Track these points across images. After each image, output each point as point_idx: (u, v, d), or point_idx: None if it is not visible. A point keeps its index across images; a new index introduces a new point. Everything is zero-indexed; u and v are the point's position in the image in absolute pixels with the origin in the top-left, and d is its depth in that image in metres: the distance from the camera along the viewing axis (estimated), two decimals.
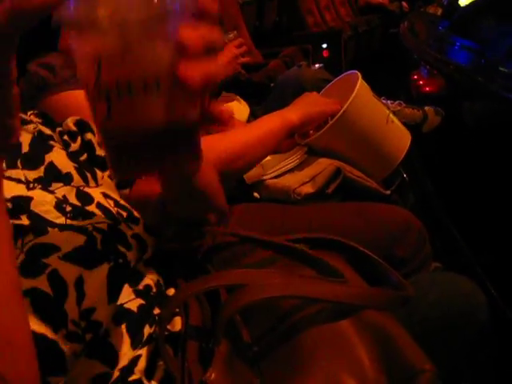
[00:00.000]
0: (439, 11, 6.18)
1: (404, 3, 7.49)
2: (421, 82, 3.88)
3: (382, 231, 1.28)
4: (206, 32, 0.50)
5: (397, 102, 2.27)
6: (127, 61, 0.48)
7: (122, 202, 0.86)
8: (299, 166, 1.46)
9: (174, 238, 0.93)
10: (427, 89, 3.78)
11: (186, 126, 0.52)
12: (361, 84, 1.40)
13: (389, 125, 1.46)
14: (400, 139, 1.51)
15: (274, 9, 5.70)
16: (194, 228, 0.93)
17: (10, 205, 0.68)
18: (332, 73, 2.05)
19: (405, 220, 1.32)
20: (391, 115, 1.48)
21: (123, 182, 0.84)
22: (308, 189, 1.37)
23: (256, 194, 1.42)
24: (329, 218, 1.30)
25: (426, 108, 2.35)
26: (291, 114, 1.34)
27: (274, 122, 1.31)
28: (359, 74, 1.44)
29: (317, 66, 3.69)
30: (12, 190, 0.71)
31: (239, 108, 1.94)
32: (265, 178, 1.43)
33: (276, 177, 1.43)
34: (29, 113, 0.91)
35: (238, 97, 1.97)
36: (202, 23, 0.50)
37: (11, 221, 0.62)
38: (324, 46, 5.24)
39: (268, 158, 1.53)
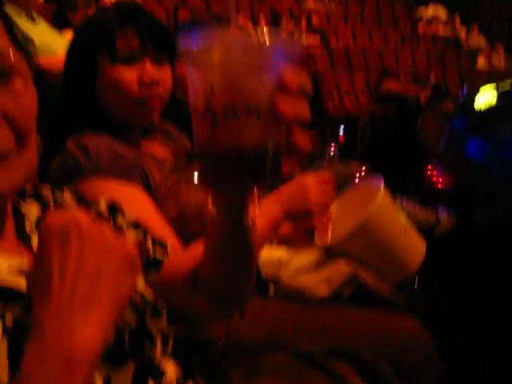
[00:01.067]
0: (452, 107, 6.37)
1: (422, 97, 7.71)
2: (434, 178, 3.96)
3: (392, 341, 1.30)
4: (302, 77, 0.62)
5: (411, 202, 2.32)
6: (235, 91, 0.59)
7: (147, 294, 0.89)
8: (316, 267, 1.49)
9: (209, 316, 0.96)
10: (440, 184, 3.85)
11: (274, 150, 0.62)
12: (383, 193, 1.45)
13: (406, 235, 1.51)
14: (416, 249, 1.54)
15: None
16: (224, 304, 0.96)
17: None
18: (347, 158, 2.11)
19: (414, 332, 1.35)
20: (409, 225, 1.52)
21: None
22: (323, 291, 1.39)
23: (271, 290, 1.44)
24: (341, 323, 1.32)
25: (440, 211, 2.40)
26: (279, 212, 1.29)
27: (261, 221, 1.31)
28: (382, 181, 1.49)
29: (332, 149, 3.79)
30: None
31: None
32: (281, 274, 1.45)
33: (292, 275, 1.46)
34: (65, 190, 0.96)
35: None
36: (298, 69, 0.62)
37: None
38: (341, 130, 5.39)
39: (285, 254, 1.56)
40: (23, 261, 0.75)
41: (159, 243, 0.99)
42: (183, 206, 1.36)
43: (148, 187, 1.32)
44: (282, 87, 0.60)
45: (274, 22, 9.71)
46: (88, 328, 0.57)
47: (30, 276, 0.63)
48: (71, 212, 0.63)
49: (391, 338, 1.31)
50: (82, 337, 0.56)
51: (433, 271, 2.14)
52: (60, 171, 1.28)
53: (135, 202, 1.13)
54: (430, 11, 13.61)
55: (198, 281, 0.94)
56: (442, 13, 13.70)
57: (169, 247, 0.99)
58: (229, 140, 0.60)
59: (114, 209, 0.97)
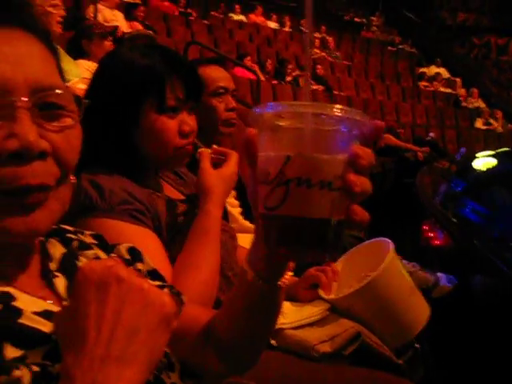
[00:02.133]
0: (447, 165, 6.46)
1: (419, 153, 7.82)
2: (430, 234, 3.97)
3: None
4: (371, 154, 0.63)
5: (412, 263, 2.33)
6: (309, 163, 0.62)
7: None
8: (320, 322, 1.49)
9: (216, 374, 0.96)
10: (436, 242, 3.87)
11: (338, 221, 0.64)
12: (392, 255, 1.46)
13: (412, 297, 1.52)
14: (420, 312, 1.55)
15: None
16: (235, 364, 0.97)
17: None
18: None
19: None
20: (415, 288, 1.53)
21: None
22: (326, 348, 1.39)
23: (273, 342, 1.44)
24: (342, 380, 1.31)
25: (439, 274, 2.41)
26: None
27: None
28: (392, 244, 1.51)
29: None
30: None
31: None
32: (284, 326, 1.45)
33: (295, 328, 1.46)
34: (86, 232, 0.96)
35: None
36: (365, 146, 0.64)
37: None
38: None
39: (289, 305, 1.56)
40: (48, 303, 0.74)
41: (176, 293, 0.98)
42: None
43: (159, 229, 1.33)
44: (353, 163, 0.63)
45: (280, 67, 9.87)
46: None
47: (60, 324, 0.62)
48: (112, 263, 0.62)
49: None
50: None
51: (429, 336, 2.14)
52: (71, 206, 1.27)
53: (145, 245, 1.12)
54: (432, 69, 13.94)
55: (212, 338, 0.94)
56: (443, 71, 14.03)
57: (185, 299, 0.99)
58: (298, 208, 0.62)
59: (135, 253, 0.97)
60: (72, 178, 0.79)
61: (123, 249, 0.96)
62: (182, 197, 1.53)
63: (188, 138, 1.39)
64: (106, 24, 6.84)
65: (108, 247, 0.96)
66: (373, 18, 16.82)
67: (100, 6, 7.72)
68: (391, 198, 5.85)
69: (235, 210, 2.13)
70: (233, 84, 2.23)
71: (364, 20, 16.75)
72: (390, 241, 1.53)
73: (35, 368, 0.62)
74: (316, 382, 1.31)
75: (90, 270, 0.61)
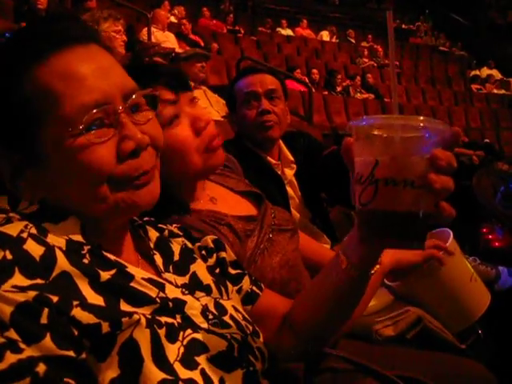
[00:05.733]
0: (507, 167, 6.34)
1: (474, 156, 7.73)
2: (490, 236, 3.95)
3: (459, 380, 1.36)
4: (451, 156, 0.73)
5: (472, 257, 2.37)
6: (395, 166, 0.73)
7: (247, 316, 1.00)
8: (383, 309, 1.57)
9: (292, 355, 1.06)
10: (496, 244, 3.84)
11: (423, 215, 0.75)
12: (452, 242, 1.53)
13: (472, 283, 1.58)
14: (480, 298, 1.61)
15: None
16: (312, 346, 1.06)
17: (171, 304, 0.84)
18: None
19: (480, 376, 1.39)
20: (475, 274, 1.59)
21: None
22: (389, 331, 1.47)
23: None
24: (409, 364, 1.38)
25: (500, 268, 2.44)
26: (386, 260, 1.39)
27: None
28: (451, 232, 1.57)
29: None
30: (173, 292, 0.88)
31: None
32: None
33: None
34: (174, 225, 1.09)
35: None
36: (446, 149, 0.74)
37: (170, 318, 0.80)
38: None
39: None
40: (148, 274, 0.87)
41: (255, 281, 1.11)
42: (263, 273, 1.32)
43: None
44: (433, 164, 0.73)
45: (330, 78, 9.94)
46: None
47: None
48: None
49: (457, 380, 1.36)
50: None
51: (494, 325, 2.16)
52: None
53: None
54: (484, 71, 13.69)
55: (288, 322, 1.06)
56: (496, 73, 13.75)
57: (263, 286, 1.11)
58: (386, 203, 0.74)
59: (218, 243, 1.10)
60: None
61: (209, 239, 1.09)
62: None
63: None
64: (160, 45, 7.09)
65: (193, 239, 1.09)
66: (419, 23, 16.69)
67: (153, 29, 8.03)
68: (448, 200, 5.78)
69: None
70: (266, 85, 2.05)
71: (411, 26, 16.66)
72: (449, 230, 1.60)
73: (148, 316, 0.76)
74: (384, 363, 1.38)
75: None
